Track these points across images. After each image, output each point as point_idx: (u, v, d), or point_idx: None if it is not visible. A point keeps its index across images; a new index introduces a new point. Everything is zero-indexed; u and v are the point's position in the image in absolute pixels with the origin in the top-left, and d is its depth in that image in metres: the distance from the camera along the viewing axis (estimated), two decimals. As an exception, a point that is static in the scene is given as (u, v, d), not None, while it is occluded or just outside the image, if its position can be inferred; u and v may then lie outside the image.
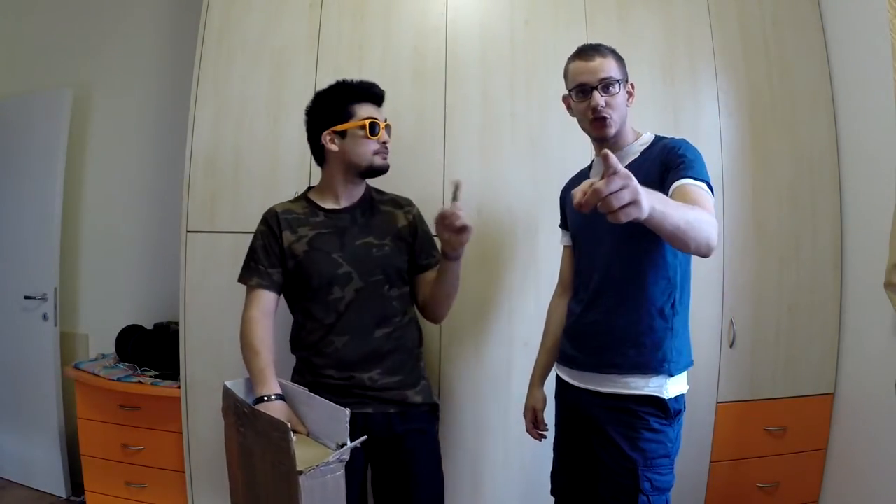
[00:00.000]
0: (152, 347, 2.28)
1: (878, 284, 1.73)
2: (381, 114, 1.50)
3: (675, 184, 1.17)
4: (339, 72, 2.00)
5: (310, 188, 1.61)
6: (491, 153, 1.99)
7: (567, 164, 2.03)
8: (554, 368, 1.56)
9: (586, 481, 1.39)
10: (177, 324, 2.02)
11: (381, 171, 1.50)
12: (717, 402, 2.00)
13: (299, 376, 1.52)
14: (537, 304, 1.95)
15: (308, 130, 1.54)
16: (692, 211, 1.00)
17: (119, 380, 2.13)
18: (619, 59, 1.35)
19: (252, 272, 1.47)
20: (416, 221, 1.61)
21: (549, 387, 1.59)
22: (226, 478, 1.43)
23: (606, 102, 1.30)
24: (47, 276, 2.57)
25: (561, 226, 1.63)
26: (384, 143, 1.48)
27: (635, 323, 1.28)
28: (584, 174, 1.55)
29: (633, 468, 1.24)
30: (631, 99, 1.37)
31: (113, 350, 2.41)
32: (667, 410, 1.27)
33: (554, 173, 1.99)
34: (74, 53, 2.76)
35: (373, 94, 1.50)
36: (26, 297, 2.58)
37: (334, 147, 1.47)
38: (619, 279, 1.31)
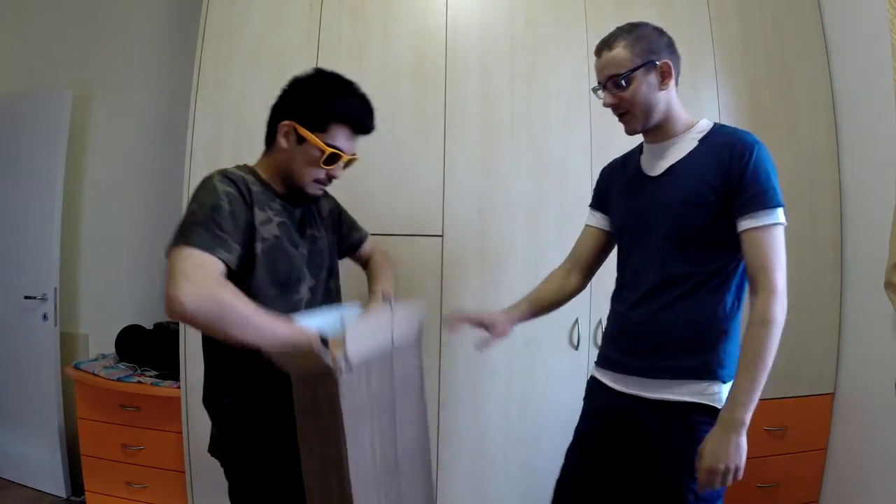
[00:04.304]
0: (152, 347, 2.28)
1: (878, 284, 1.73)
2: (353, 145, 1.28)
3: (744, 225, 1.13)
4: (339, 72, 2.00)
5: (249, 165, 1.33)
6: (491, 153, 1.99)
7: (567, 163, 2.03)
8: (594, 371, 1.42)
9: (604, 494, 1.31)
10: (177, 324, 2.02)
11: (307, 199, 1.30)
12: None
13: (227, 426, 1.22)
14: (537, 304, 1.95)
15: (275, 107, 1.30)
16: (759, 349, 1.10)
17: (119, 380, 2.13)
18: (634, 43, 1.19)
19: (216, 240, 1.05)
20: (334, 201, 1.50)
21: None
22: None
23: (619, 99, 1.21)
24: (47, 276, 2.57)
25: (592, 206, 1.48)
26: (333, 176, 1.27)
27: (691, 325, 1.19)
28: (632, 157, 1.38)
29: (679, 480, 1.16)
30: (667, 79, 1.21)
31: (113, 350, 2.41)
32: (715, 417, 1.15)
33: (554, 173, 2.00)
34: (74, 53, 2.76)
35: (359, 125, 1.28)
36: (26, 297, 2.58)
37: (284, 143, 1.24)
38: (675, 277, 1.20)
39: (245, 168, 1.30)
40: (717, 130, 1.23)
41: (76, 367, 2.29)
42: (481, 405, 1.97)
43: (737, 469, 1.10)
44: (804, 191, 2.08)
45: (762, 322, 1.10)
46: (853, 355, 2.03)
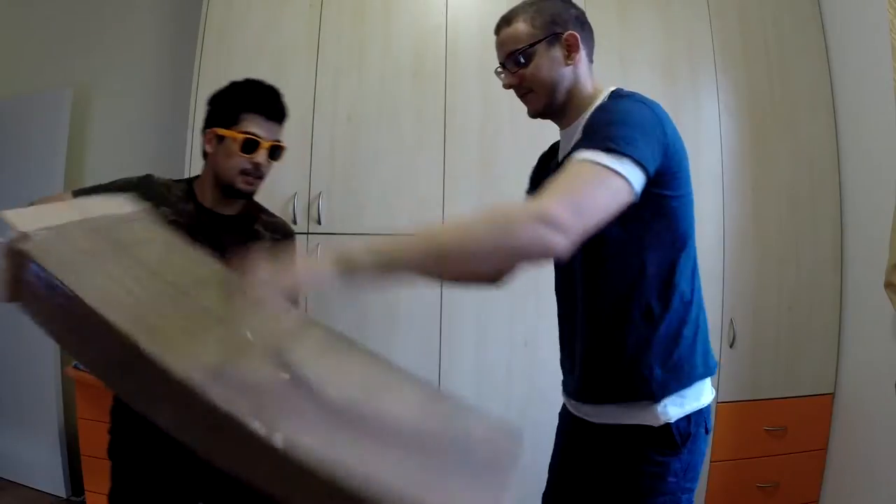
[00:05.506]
0: (152, 347, 2.28)
1: (878, 284, 1.73)
2: (273, 132, 1.29)
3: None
4: (339, 72, 2.00)
5: (196, 177, 1.38)
6: (491, 152, 1.99)
7: (567, 164, 2.02)
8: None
9: None
10: (177, 324, 2.01)
11: (240, 195, 1.29)
12: (717, 402, 2.00)
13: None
14: (537, 304, 1.95)
15: (204, 119, 1.35)
16: (478, 223, 0.80)
17: (119, 380, 2.13)
18: (536, 16, 1.05)
19: (86, 190, 1.24)
20: (277, 248, 1.36)
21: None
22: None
23: (520, 77, 1.07)
24: (47, 276, 2.57)
25: (528, 192, 1.33)
26: (257, 164, 1.26)
27: (611, 338, 1.05)
28: (553, 150, 1.27)
29: None
30: (574, 53, 1.05)
31: (113, 350, 2.41)
32: (668, 438, 1.01)
33: (554, 173, 1.99)
34: (74, 53, 2.76)
35: (267, 108, 1.29)
36: (26, 297, 2.58)
37: (209, 148, 1.30)
38: (597, 284, 1.07)
39: (186, 180, 1.37)
40: (610, 95, 1.06)
41: (76, 367, 2.28)
42: (482, 404, 1.97)
43: (291, 284, 0.78)
44: (804, 191, 2.08)
45: (503, 211, 0.82)
46: (853, 355, 2.03)
